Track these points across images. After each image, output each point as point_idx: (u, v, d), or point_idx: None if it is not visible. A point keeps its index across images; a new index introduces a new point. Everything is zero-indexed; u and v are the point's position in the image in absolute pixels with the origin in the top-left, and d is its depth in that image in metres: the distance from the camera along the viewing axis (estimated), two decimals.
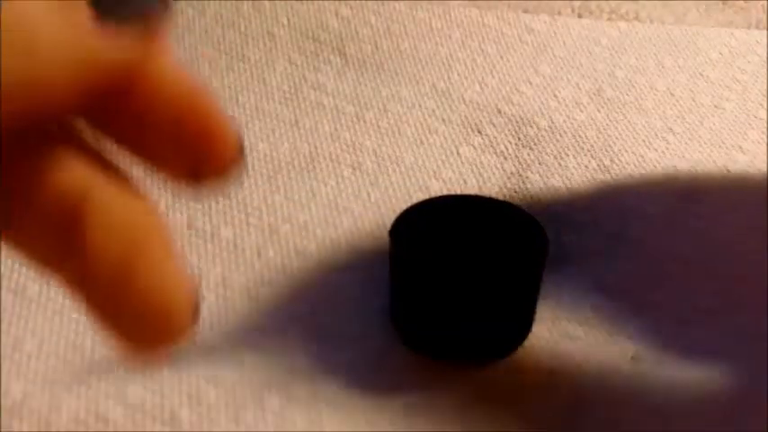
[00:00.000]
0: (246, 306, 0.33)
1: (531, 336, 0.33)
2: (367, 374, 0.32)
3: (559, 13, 0.49)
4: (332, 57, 0.46)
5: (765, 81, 0.44)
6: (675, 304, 0.34)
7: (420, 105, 0.44)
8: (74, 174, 0.19)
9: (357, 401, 0.31)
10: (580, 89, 0.45)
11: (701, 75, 0.46)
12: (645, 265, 0.36)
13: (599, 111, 0.43)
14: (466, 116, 0.43)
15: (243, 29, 0.47)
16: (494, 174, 0.40)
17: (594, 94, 0.44)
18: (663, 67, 0.46)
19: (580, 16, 0.49)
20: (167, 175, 0.21)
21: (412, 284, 0.32)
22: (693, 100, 0.44)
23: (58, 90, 0.19)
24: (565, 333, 0.33)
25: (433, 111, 0.43)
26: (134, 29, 0.19)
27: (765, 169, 0.39)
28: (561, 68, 0.46)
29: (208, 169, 0.21)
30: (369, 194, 0.39)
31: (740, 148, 0.41)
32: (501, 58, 0.47)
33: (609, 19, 0.49)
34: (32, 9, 0.18)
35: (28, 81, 0.18)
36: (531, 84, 0.45)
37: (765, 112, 0.43)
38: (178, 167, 0.21)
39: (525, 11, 0.49)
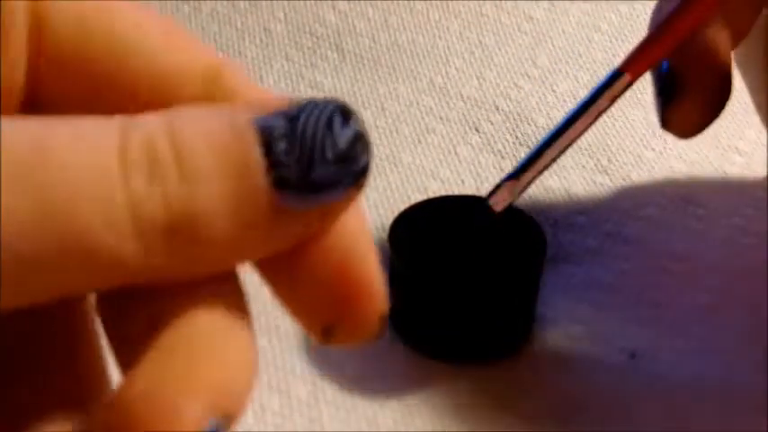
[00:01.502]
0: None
1: (530, 336, 0.33)
2: (367, 374, 0.32)
3: None
4: (329, 52, 0.46)
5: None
6: (674, 303, 0.34)
7: (418, 103, 0.43)
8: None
9: (357, 401, 0.31)
10: (578, 82, 0.45)
11: None
12: (643, 264, 0.36)
13: None
14: (464, 114, 0.43)
15: (239, 25, 0.47)
16: (491, 173, 0.40)
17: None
18: None
19: None
20: (299, 321, 0.20)
21: (411, 285, 0.32)
22: None
23: (225, 263, 0.18)
24: (564, 333, 0.33)
25: (431, 108, 0.43)
26: (320, 210, 0.18)
27: (762, 170, 0.39)
28: (560, 60, 0.46)
29: (341, 335, 0.20)
30: (367, 195, 0.39)
31: (736, 149, 0.41)
32: (499, 49, 0.46)
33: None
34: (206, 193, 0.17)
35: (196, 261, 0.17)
36: (529, 77, 0.45)
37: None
38: (313, 322, 0.20)
39: None
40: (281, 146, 0.17)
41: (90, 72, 0.19)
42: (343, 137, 0.18)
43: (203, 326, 0.18)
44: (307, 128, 0.17)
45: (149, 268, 0.17)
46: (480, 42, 0.47)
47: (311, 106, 0.18)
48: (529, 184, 0.31)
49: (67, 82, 0.19)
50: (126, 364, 0.19)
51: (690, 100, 0.32)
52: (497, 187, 0.31)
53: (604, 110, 0.31)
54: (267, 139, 0.17)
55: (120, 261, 0.16)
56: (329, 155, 0.17)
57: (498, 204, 0.31)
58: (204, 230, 0.17)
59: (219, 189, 0.17)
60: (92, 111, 0.19)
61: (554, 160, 0.31)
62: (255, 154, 0.17)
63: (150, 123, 0.17)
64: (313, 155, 0.17)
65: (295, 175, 0.17)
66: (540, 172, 0.31)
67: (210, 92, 0.20)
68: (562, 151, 0.31)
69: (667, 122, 0.33)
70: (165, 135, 0.17)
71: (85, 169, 0.16)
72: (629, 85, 0.31)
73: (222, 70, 0.20)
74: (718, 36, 0.32)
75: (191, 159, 0.17)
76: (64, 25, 0.19)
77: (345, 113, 0.18)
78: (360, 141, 0.18)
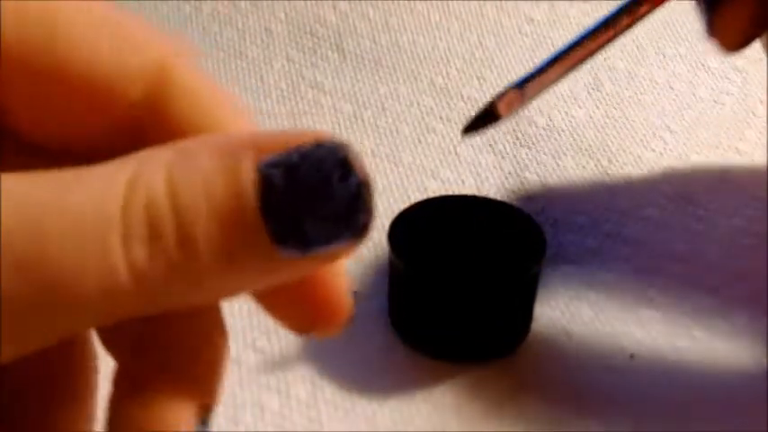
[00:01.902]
0: (245, 306, 0.34)
1: (530, 336, 0.33)
2: (367, 374, 0.32)
3: None
4: (330, 53, 0.46)
5: (765, 67, 0.44)
6: (673, 303, 0.34)
7: (418, 103, 0.43)
8: None
9: (357, 401, 0.31)
10: (578, 83, 0.45)
11: (702, 64, 0.45)
12: (643, 264, 0.36)
13: (597, 107, 0.43)
14: (464, 114, 0.43)
15: (240, 25, 0.47)
16: (492, 173, 0.40)
17: (593, 89, 0.44)
18: (664, 56, 0.46)
19: None
20: (278, 321, 0.21)
21: (410, 284, 0.32)
22: (693, 94, 0.44)
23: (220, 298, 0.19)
24: (564, 333, 0.33)
25: (432, 108, 0.43)
26: (317, 258, 0.18)
27: (762, 170, 0.39)
28: None
29: (315, 331, 0.21)
30: None
31: (737, 149, 0.41)
32: (500, 51, 0.47)
33: None
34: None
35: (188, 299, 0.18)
36: None
37: (764, 109, 0.43)
38: (291, 323, 0.21)
39: None
40: (278, 200, 0.17)
41: (34, 71, 0.19)
42: (340, 195, 0.17)
43: (190, 347, 0.20)
44: (304, 182, 0.17)
45: (144, 311, 0.18)
46: (481, 43, 0.47)
47: (312, 154, 0.17)
48: (536, 94, 0.31)
49: (22, 82, 0.19)
50: (115, 353, 0.20)
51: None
52: (505, 91, 0.31)
53: (620, 32, 0.31)
54: (265, 190, 0.17)
55: (116, 312, 0.17)
56: (324, 213, 0.17)
57: (505, 109, 0.31)
58: (202, 281, 0.17)
59: (220, 251, 0.17)
60: (48, 111, 0.19)
61: (564, 74, 0.31)
62: (253, 212, 0.17)
63: (153, 182, 0.17)
64: (307, 213, 0.17)
65: (290, 230, 0.17)
66: (549, 84, 0.31)
67: (161, 90, 0.20)
68: (571, 67, 0.31)
69: (713, 27, 0.32)
70: (166, 195, 0.17)
71: (87, 242, 0.16)
72: (648, 12, 0.31)
73: (172, 66, 0.20)
74: None
75: (191, 224, 0.17)
76: (8, 28, 0.19)
77: (347, 166, 0.17)
78: (359, 198, 0.17)
